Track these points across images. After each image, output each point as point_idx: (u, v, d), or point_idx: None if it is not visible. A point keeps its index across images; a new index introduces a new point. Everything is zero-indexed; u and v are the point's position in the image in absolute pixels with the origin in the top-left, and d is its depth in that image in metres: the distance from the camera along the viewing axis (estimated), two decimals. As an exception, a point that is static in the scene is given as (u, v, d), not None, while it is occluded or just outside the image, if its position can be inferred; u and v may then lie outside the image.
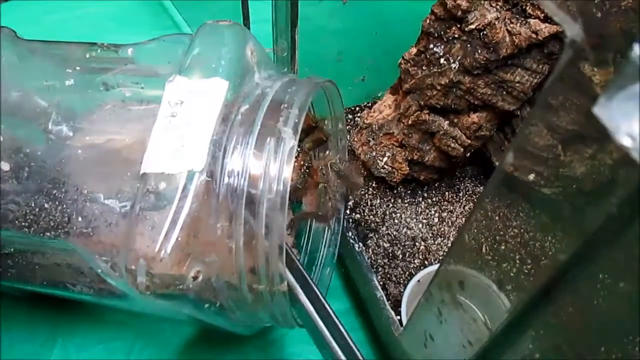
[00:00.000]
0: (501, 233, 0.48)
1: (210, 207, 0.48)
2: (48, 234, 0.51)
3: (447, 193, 0.82)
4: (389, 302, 0.67)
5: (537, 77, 0.66)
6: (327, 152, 0.72)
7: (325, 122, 0.69)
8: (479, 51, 0.65)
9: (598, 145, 0.44)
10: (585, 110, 0.60)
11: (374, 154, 0.78)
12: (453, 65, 0.68)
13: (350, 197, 0.77)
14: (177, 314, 0.56)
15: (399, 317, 0.66)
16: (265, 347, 0.73)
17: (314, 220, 0.74)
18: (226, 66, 0.51)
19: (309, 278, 0.54)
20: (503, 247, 0.47)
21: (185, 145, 0.48)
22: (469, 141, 0.73)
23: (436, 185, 0.83)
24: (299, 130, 0.50)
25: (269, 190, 0.48)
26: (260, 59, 0.55)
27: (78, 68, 0.55)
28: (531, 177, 0.76)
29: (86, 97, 0.54)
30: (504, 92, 0.68)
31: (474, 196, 0.82)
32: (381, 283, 0.71)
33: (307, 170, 0.64)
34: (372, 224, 0.78)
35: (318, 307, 0.53)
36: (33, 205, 0.52)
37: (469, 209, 0.80)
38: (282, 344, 0.73)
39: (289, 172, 0.48)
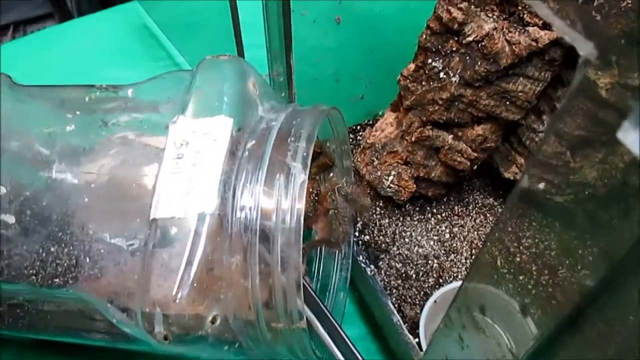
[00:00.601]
0: (515, 244, 0.47)
1: (224, 247, 0.47)
2: (57, 280, 0.50)
3: (456, 207, 0.81)
4: (406, 324, 0.66)
5: (540, 84, 0.66)
6: (331, 175, 0.71)
7: (328, 144, 0.68)
8: (479, 63, 0.65)
9: (607, 149, 0.44)
10: (592, 114, 0.59)
11: (379, 173, 0.77)
12: (453, 79, 0.67)
13: (359, 219, 0.75)
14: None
15: (417, 340, 0.65)
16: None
17: (324, 246, 0.72)
18: (229, 102, 0.50)
19: (325, 309, 0.53)
20: (518, 259, 0.46)
21: (194, 187, 0.47)
22: (475, 154, 0.72)
23: (444, 200, 0.82)
24: (309, 164, 0.49)
25: (283, 226, 0.47)
26: (262, 91, 0.54)
27: (78, 112, 0.54)
28: (541, 185, 0.75)
29: (88, 139, 0.53)
30: (508, 102, 0.67)
31: (484, 209, 0.81)
32: (396, 305, 0.70)
33: (317, 198, 0.63)
34: (383, 245, 0.77)
35: (337, 340, 0.53)
36: (40, 250, 0.51)
37: (480, 222, 0.79)
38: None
39: (302, 207, 0.47)
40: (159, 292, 0.45)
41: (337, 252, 0.72)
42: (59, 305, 0.54)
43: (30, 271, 0.51)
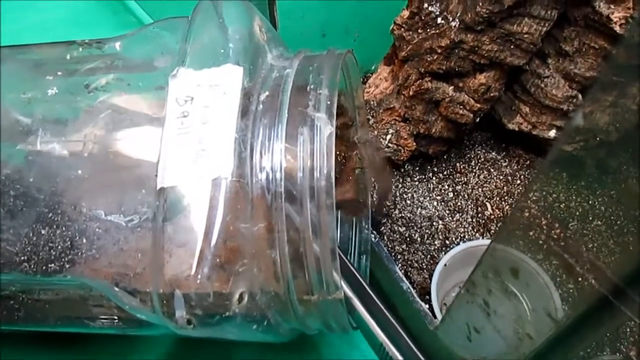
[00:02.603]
0: (522, 198, 0.44)
1: (245, 216, 0.41)
2: (52, 265, 0.44)
3: (458, 164, 0.77)
4: (415, 290, 0.62)
5: (546, 24, 0.61)
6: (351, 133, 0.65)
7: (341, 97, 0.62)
8: (481, 4, 0.60)
9: (619, 91, 0.40)
10: (605, 53, 0.55)
11: (375, 132, 0.72)
12: (452, 24, 0.63)
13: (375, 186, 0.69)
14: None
15: (428, 306, 0.61)
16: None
17: (339, 210, 0.67)
18: (236, 49, 0.44)
19: (362, 280, 0.47)
20: (527, 214, 0.43)
21: (206, 148, 0.41)
22: (478, 105, 0.68)
23: (445, 157, 0.78)
24: (334, 113, 0.43)
25: (311, 187, 0.41)
26: (270, 37, 0.48)
27: (59, 73, 0.47)
28: (552, 133, 0.72)
29: (73, 105, 0.46)
30: (512, 46, 0.63)
31: (487, 163, 0.77)
32: (403, 271, 0.66)
33: (344, 160, 0.58)
34: (383, 209, 0.72)
35: (375, 312, 0.48)
36: (31, 234, 0.45)
37: (484, 177, 0.75)
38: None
39: (332, 163, 0.41)
40: (174, 273, 0.39)
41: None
42: (57, 293, 0.48)
43: (22, 258, 0.45)
